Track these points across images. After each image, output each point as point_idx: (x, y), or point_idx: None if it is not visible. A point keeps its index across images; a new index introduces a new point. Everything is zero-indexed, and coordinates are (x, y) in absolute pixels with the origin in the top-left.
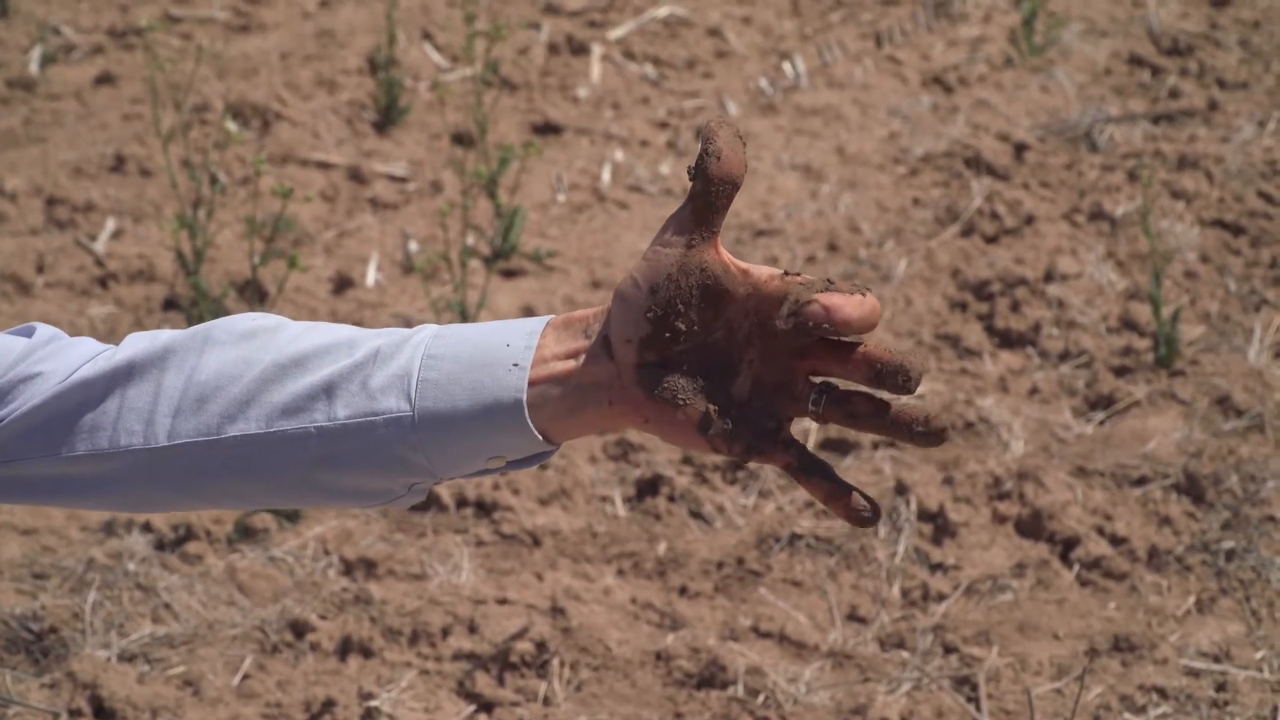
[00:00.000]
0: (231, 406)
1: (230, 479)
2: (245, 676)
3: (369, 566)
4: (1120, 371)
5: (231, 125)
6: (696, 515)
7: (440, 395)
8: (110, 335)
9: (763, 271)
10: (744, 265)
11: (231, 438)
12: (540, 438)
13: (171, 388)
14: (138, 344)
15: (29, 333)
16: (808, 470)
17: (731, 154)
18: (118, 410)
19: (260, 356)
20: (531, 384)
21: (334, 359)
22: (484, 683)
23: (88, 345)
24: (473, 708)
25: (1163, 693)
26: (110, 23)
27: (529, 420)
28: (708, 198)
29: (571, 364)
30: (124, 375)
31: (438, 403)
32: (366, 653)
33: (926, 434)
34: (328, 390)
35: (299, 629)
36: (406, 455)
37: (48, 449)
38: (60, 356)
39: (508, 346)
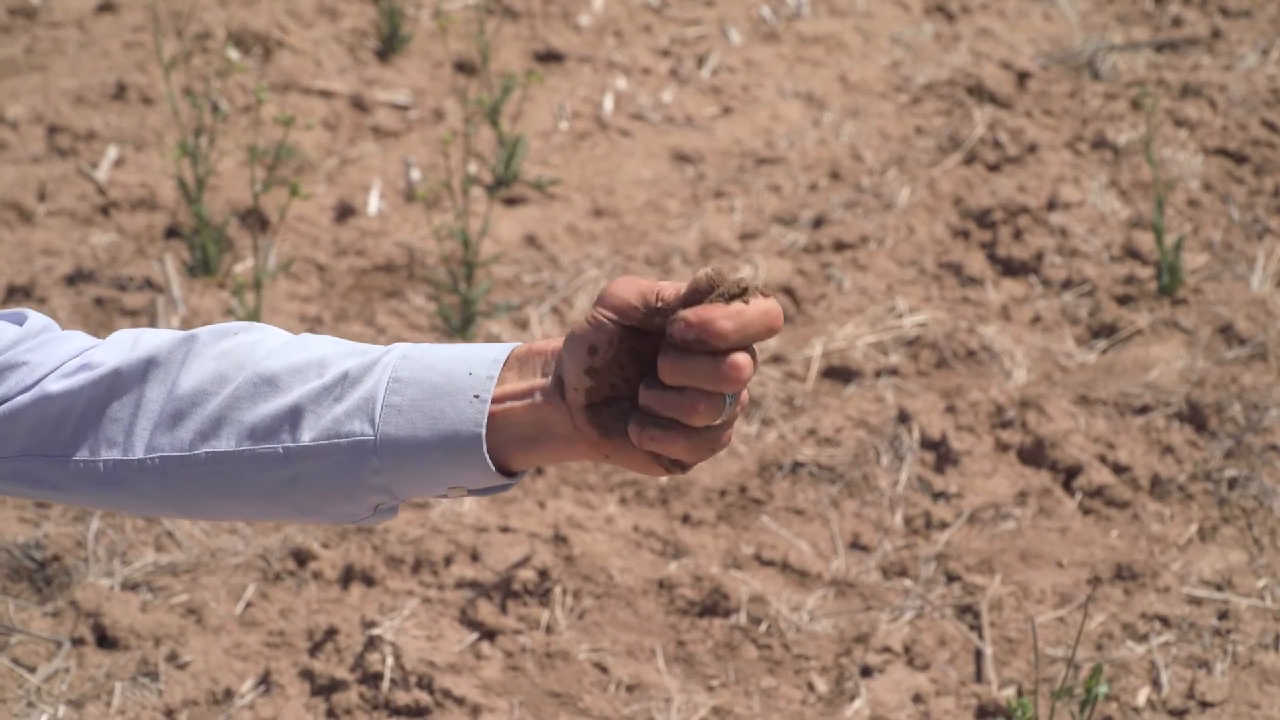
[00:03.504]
0: (205, 424)
1: (202, 494)
2: (248, 605)
3: None
4: (1123, 300)
5: (233, 53)
6: None
7: (402, 422)
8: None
9: (669, 290)
10: (670, 295)
11: (204, 454)
12: (496, 471)
13: (152, 401)
14: (121, 350)
15: (20, 319)
16: None
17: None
18: (99, 420)
19: (235, 373)
20: (492, 416)
21: (305, 379)
22: (486, 611)
23: (75, 340)
24: (475, 635)
25: (1165, 621)
26: None
27: (486, 455)
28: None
29: (528, 402)
30: (107, 385)
31: (399, 429)
32: (369, 581)
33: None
34: (296, 412)
35: (301, 557)
36: (368, 478)
37: (29, 451)
38: (48, 349)
39: (470, 375)
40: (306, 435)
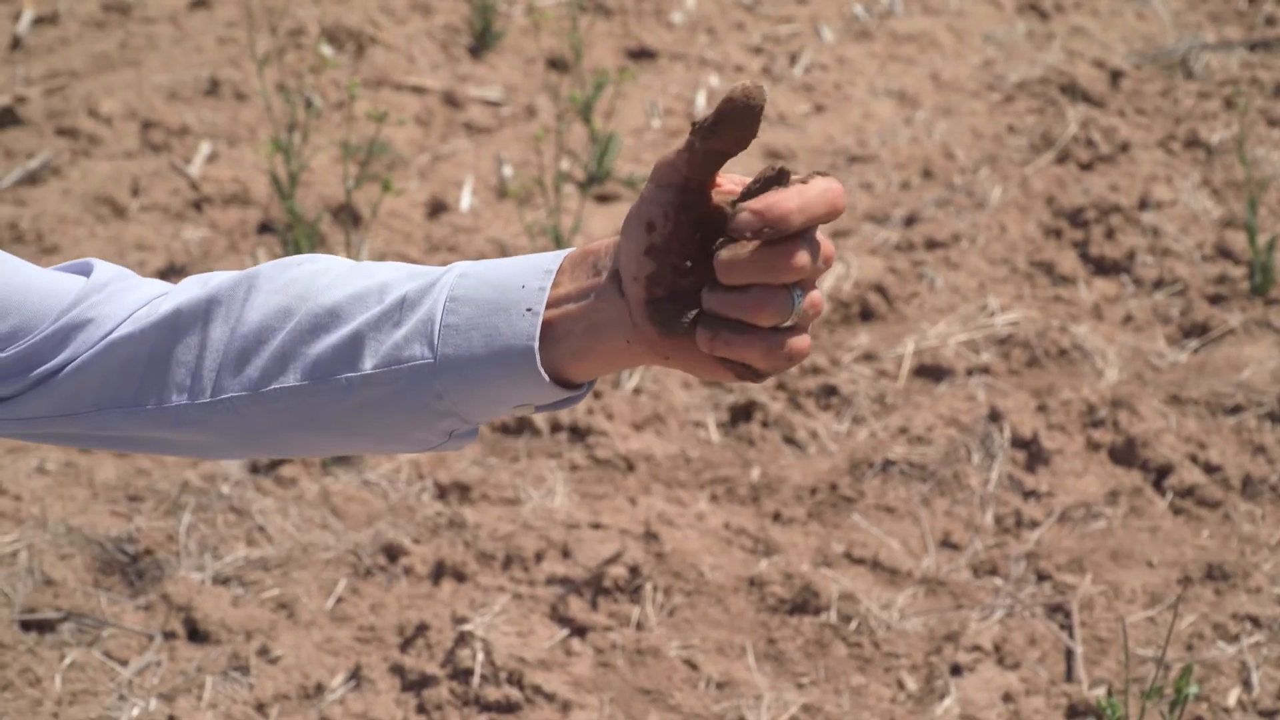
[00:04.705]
0: (271, 361)
1: (279, 429)
2: (339, 600)
3: (462, 490)
4: (1215, 299)
5: (326, 49)
6: (790, 441)
7: (460, 341)
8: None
9: (728, 183)
10: (730, 186)
11: (272, 390)
12: (552, 384)
13: (217, 341)
14: (188, 291)
15: (86, 270)
16: None
17: (736, 130)
18: (166, 365)
19: (299, 305)
20: (547, 324)
21: (365, 306)
22: (577, 607)
23: (147, 288)
24: (566, 631)
25: (1256, 621)
26: None
27: (540, 369)
28: (707, 158)
29: (584, 303)
30: (169, 328)
31: (458, 349)
32: (460, 577)
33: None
34: (357, 341)
35: (392, 553)
36: (432, 402)
37: (102, 404)
38: (117, 300)
39: (523, 288)
40: (368, 363)
